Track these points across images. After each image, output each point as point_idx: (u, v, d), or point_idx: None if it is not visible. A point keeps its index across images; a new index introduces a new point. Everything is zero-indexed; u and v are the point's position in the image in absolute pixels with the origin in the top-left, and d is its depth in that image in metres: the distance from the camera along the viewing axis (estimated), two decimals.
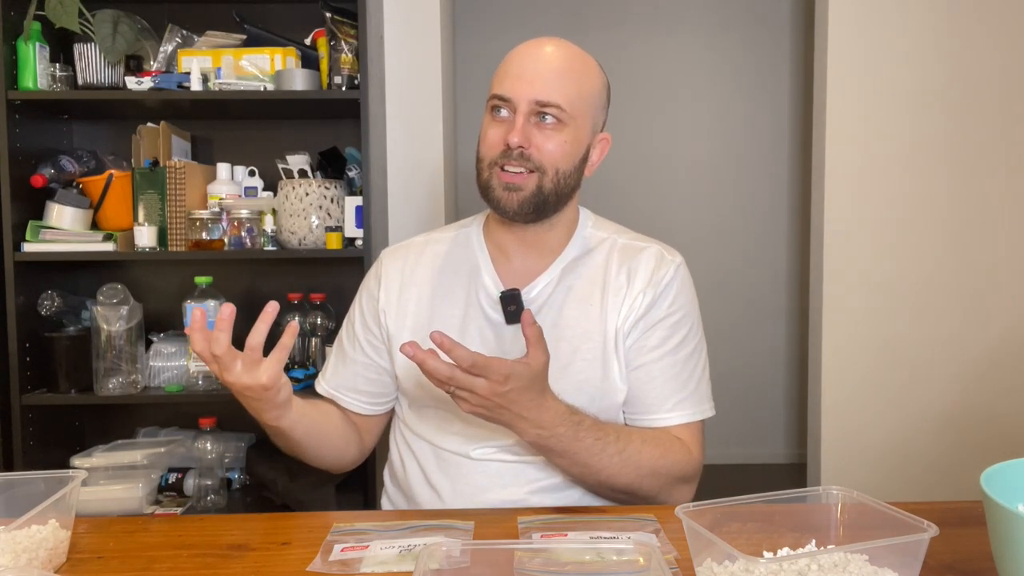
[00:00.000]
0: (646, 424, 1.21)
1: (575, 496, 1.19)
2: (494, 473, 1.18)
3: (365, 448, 1.33)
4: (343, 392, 1.30)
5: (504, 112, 1.16)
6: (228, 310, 1.00)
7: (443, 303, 1.24)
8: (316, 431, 1.21)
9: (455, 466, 1.20)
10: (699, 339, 1.25)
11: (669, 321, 1.21)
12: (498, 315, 1.22)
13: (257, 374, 1.01)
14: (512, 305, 1.20)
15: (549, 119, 1.15)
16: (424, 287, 1.26)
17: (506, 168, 1.15)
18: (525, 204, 1.17)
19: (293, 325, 1.05)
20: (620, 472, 1.13)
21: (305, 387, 2.01)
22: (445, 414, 1.21)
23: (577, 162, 1.20)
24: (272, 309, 1.00)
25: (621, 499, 1.18)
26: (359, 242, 2.07)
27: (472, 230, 1.30)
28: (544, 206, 1.18)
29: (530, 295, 1.22)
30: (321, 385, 1.33)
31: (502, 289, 1.22)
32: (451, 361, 0.98)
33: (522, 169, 1.15)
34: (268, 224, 2.09)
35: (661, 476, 1.16)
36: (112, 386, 2.03)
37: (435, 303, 1.24)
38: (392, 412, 1.34)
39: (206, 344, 0.99)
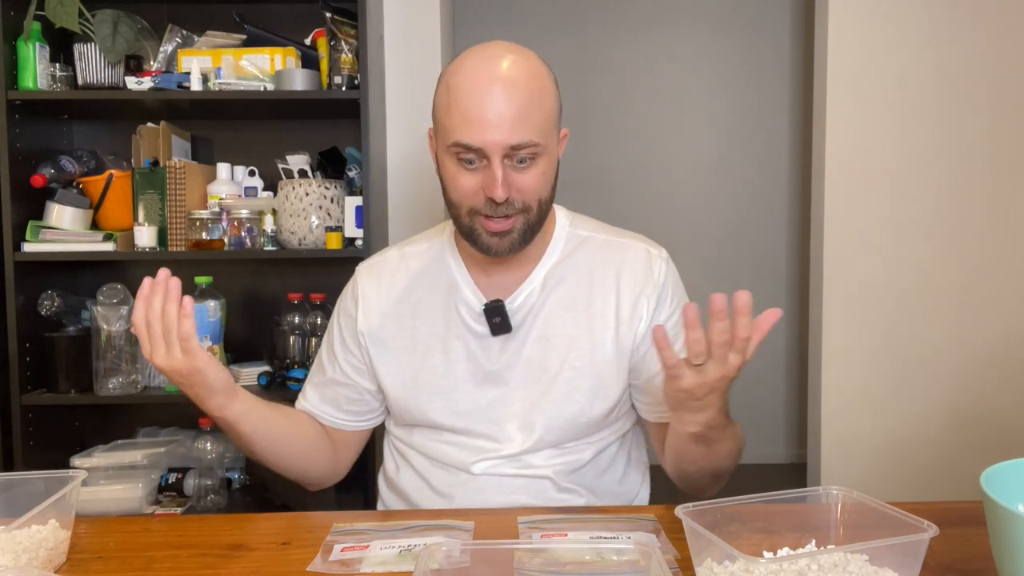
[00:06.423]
0: None
1: (576, 500, 1.19)
2: (496, 486, 1.17)
3: (339, 462, 1.29)
4: (324, 413, 1.27)
5: (474, 162, 1.08)
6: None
7: (423, 321, 1.21)
8: (278, 434, 1.19)
9: (458, 482, 1.18)
10: None
11: (673, 319, 1.20)
12: (481, 327, 1.18)
13: (190, 357, 1.04)
14: (497, 317, 1.16)
15: (525, 158, 1.07)
16: (403, 305, 1.22)
17: (491, 216, 1.09)
18: (515, 245, 1.12)
19: (188, 300, 1.05)
20: (730, 455, 1.11)
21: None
22: (436, 432, 1.20)
23: (554, 180, 1.14)
24: (163, 275, 1.03)
25: (700, 487, 1.16)
26: (359, 242, 2.07)
27: (444, 241, 1.25)
28: (531, 235, 1.14)
29: (514, 304, 1.18)
30: (302, 404, 1.29)
31: (484, 302, 1.18)
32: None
33: (508, 213, 1.09)
34: (268, 224, 2.09)
35: (737, 457, 1.15)
36: (112, 386, 2.03)
37: (416, 322, 1.21)
38: (371, 429, 1.31)
39: (145, 313, 1.02)
